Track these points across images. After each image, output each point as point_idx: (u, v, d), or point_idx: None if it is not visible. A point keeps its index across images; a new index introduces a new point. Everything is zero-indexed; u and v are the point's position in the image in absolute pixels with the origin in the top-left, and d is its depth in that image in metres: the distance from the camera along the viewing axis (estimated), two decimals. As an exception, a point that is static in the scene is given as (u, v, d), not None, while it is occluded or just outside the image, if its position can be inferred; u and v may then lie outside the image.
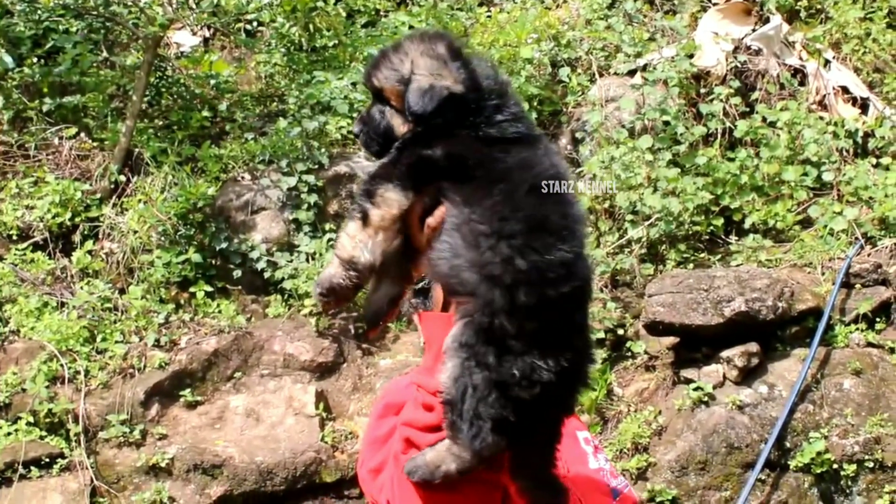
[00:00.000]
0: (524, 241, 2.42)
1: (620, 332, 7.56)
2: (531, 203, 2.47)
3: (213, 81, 9.31)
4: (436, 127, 2.56)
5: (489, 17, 9.89)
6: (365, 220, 2.58)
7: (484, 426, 2.43)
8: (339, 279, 2.59)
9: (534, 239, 2.43)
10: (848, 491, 6.81)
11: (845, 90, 9.04)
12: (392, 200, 2.56)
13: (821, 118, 8.61)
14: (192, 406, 7.27)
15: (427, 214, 2.58)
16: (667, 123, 8.38)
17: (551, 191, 2.50)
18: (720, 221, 8.05)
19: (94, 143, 8.48)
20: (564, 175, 2.57)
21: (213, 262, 8.02)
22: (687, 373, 7.19)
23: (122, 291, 7.78)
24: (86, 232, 8.03)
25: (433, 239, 2.55)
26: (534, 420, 2.47)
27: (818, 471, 6.77)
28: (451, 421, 2.46)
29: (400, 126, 2.65)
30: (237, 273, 7.95)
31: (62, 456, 6.83)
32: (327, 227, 8.03)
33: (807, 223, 8.04)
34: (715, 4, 9.55)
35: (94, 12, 8.91)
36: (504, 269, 2.41)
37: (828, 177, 8.19)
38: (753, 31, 9.24)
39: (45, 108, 8.57)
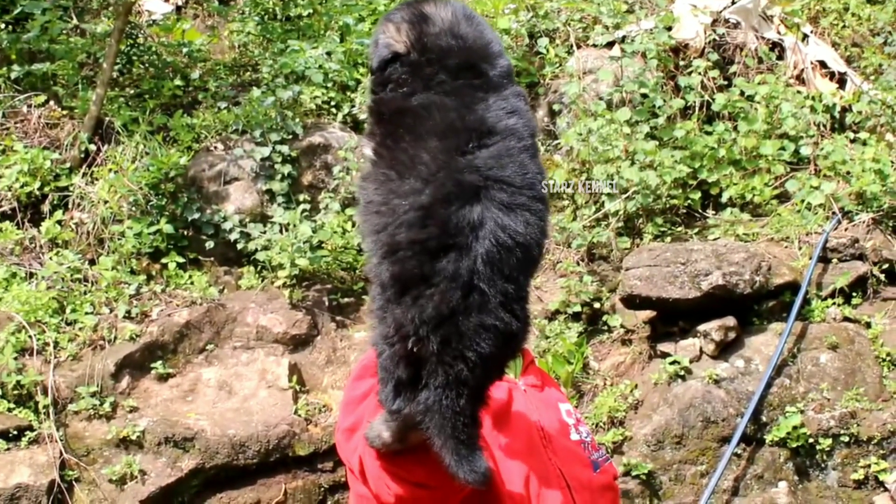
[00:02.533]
0: (390, 186, 2.43)
1: (597, 305, 7.53)
2: (408, 150, 2.46)
3: (185, 50, 9.19)
4: (384, 85, 2.63)
5: (466, -13, 9.79)
6: None
7: (390, 388, 2.41)
8: None
9: (399, 184, 2.42)
10: (823, 465, 6.81)
11: (823, 64, 9.03)
12: (363, 154, 2.63)
13: (799, 92, 8.59)
14: (163, 378, 7.19)
15: None
16: (645, 96, 8.33)
17: (445, 139, 2.46)
18: (697, 195, 8.02)
19: (64, 112, 8.34)
20: (470, 123, 2.49)
21: (185, 232, 7.92)
22: (663, 347, 7.17)
23: (93, 262, 7.67)
24: (55, 202, 7.91)
25: None
26: (426, 381, 2.37)
27: (794, 445, 6.78)
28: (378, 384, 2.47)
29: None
30: (209, 244, 7.85)
31: (31, 428, 6.73)
32: (301, 197, 7.94)
33: (784, 197, 8.02)
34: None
35: (64, -22, 8.78)
36: (376, 216, 2.44)
37: (805, 151, 8.17)
38: (732, 3, 9.19)
39: (13, 76, 8.41)
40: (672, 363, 6.98)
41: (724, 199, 7.97)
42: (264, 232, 7.75)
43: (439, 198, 2.37)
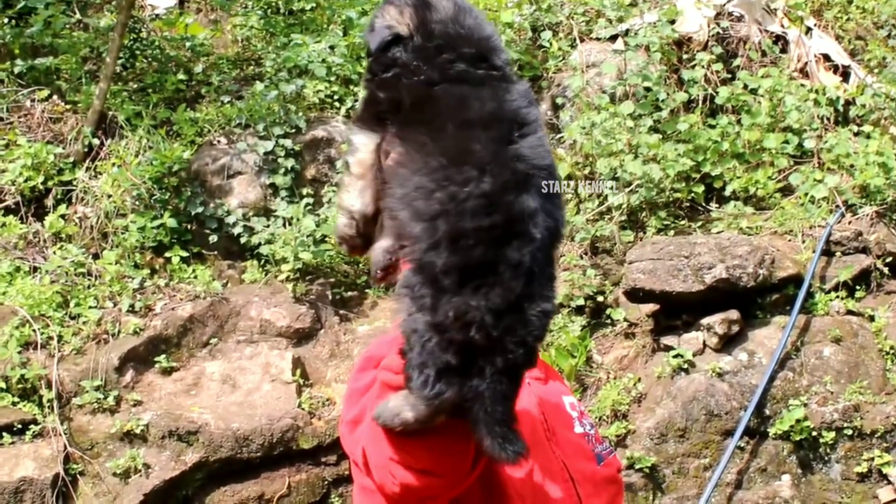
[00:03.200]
0: (444, 173, 2.41)
1: (600, 299, 7.52)
2: (457, 138, 2.45)
3: (188, 44, 9.19)
4: (388, 68, 2.60)
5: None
6: (349, 168, 2.63)
7: (430, 373, 2.37)
8: (343, 227, 2.66)
9: (454, 171, 2.40)
10: (826, 458, 6.81)
11: (827, 58, 9.01)
12: (358, 144, 2.61)
13: (802, 86, 8.57)
14: (167, 372, 7.20)
15: None
16: (648, 89, 8.33)
17: (492, 129, 2.47)
18: (701, 188, 8.01)
19: (67, 106, 8.34)
20: (508, 113, 2.52)
21: (189, 226, 7.92)
22: (667, 340, 7.17)
23: (96, 256, 7.68)
24: (59, 196, 7.92)
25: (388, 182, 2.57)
26: (480, 367, 2.37)
27: (797, 438, 6.78)
28: (405, 369, 2.42)
29: (366, 73, 2.73)
30: (213, 238, 7.86)
31: (35, 422, 6.74)
32: (304, 191, 7.95)
33: (788, 191, 8.02)
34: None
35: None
36: (426, 202, 2.40)
37: (809, 144, 8.16)
38: (735, -4, 9.18)
39: (16, 70, 8.43)
40: (675, 356, 6.99)
41: (727, 192, 7.96)
42: (268, 226, 7.76)
43: (499, 186, 2.39)
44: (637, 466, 6.80)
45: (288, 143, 8.06)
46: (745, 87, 8.45)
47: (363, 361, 2.80)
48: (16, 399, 6.81)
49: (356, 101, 8.63)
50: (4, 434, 6.66)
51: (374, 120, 2.60)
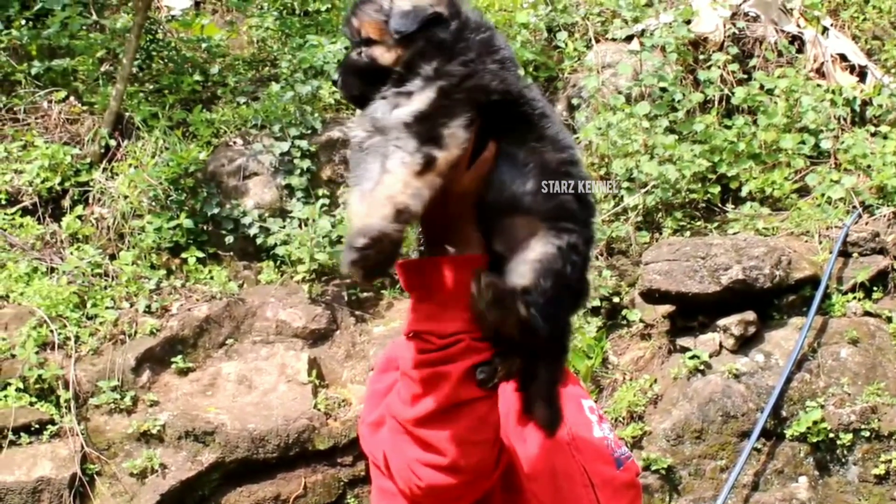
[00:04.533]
0: (582, 166, 2.60)
1: (616, 300, 7.52)
2: (569, 137, 2.60)
3: (204, 45, 9.23)
4: (446, 51, 2.40)
5: (484, -19, 9.78)
6: (430, 164, 2.29)
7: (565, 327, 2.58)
8: (388, 226, 2.23)
9: (582, 169, 2.60)
10: (844, 460, 6.79)
11: (843, 58, 8.98)
12: (461, 139, 2.34)
13: (819, 86, 8.54)
14: (183, 373, 7.21)
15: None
16: (664, 90, 8.31)
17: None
18: (717, 189, 7.99)
19: (84, 107, 8.38)
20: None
21: (205, 227, 7.94)
22: (683, 341, 7.15)
23: (113, 257, 7.71)
24: (76, 197, 7.95)
25: (483, 175, 2.44)
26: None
27: (814, 440, 6.75)
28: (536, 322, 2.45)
29: (383, 55, 2.45)
30: (229, 239, 7.88)
31: (52, 422, 6.77)
32: (320, 192, 7.96)
33: (804, 191, 7.99)
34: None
35: (84, -27, 8.81)
36: (587, 193, 2.55)
37: (825, 145, 8.14)
38: (751, -4, 9.16)
39: (33, 72, 8.47)
40: (691, 358, 6.97)
41: (743, 193, 7.95)
42: (283, 227, 7.77)
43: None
44: (653, 468, 6.78)
45: (304, 143, 8.08)
46: (762, 87, 8.43)
47: (384, 363, 2.77)
48: (33, 399, 6.84)
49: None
50: (22, 434, 6.69)
51: (474, 112, 2.38)
